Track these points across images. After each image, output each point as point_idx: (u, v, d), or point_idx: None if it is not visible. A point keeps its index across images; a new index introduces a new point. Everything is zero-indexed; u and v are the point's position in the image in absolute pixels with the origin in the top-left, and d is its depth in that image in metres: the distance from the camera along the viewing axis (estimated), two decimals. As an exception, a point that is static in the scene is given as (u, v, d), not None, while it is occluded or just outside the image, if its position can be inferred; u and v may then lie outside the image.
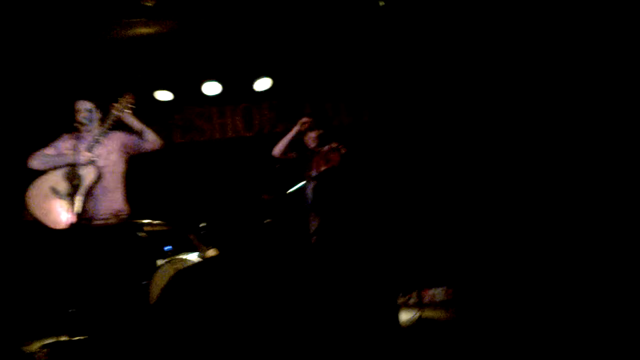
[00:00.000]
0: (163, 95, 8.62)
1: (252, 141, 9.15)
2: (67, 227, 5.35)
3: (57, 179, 5.48)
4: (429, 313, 6.87)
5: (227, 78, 8.60)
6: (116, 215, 5.56)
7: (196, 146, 9.11)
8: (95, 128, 5.63)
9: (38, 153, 5.56)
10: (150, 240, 7.45)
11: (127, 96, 5.60)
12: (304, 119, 6.36)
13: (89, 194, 5.39)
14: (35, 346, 6.97)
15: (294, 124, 6.56)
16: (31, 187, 5.51)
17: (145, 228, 7.26)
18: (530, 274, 7.14)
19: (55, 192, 5.46)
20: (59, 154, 5.55)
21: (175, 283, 5.45)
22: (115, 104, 5.57)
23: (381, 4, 6.31)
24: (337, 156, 6.19)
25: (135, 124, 5.65)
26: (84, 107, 5.58)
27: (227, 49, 8.12)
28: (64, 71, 7.61)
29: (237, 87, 8.76)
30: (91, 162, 5.47)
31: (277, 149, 6.43)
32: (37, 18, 6.66)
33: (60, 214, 5.40)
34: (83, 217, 5.43)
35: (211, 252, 7.38)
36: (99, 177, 5.48)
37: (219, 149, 9.13)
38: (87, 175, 5.45)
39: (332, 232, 6.08)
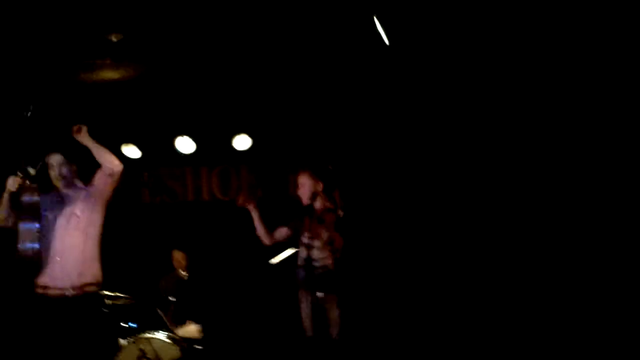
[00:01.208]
0: (131, 151, 7.68)
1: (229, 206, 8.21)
2: None
3: None
4: None
5: (203, 135, 7.71)
6: (80, 286, 4.61)
7: (167, 207, 8.14)
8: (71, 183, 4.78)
9: None
10: (112, 316, 6.45)
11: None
12: (242, 197, 5.44)
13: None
14: None
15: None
16: None
17: (107, 301, 6.25)
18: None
19: None
20: None
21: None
22: None
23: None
24: (331, 217, 5.23)
25: (86, 140, 4.65)
26: (57, 162, 4.70)
27: (203, 101, 7.28)
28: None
29: (213, 145, 7.89)
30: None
31: (265, 239, 5.62)
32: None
33: None
34: (39, 285, 4.58)
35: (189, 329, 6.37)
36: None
37: (192, 211, 8.21)
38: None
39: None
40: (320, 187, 5.28)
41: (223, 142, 7.83)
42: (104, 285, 5.94)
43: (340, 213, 5.25)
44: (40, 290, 4.58)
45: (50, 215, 4.61)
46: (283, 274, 6.95)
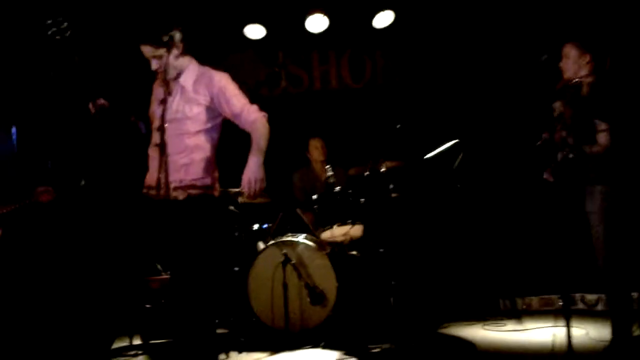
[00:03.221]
0: (254, 31, 6.74)
1: (361, 94, 7.33)
2: None
3: None
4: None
5: (336, 10, 6.67)
6: (185, 187, 3.89)
7: (292, 98, 7.29)
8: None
9: None
10: (244, 216, 5.71)
11: None
12: None
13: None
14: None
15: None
16: None
17: (240, 200, 5.48)
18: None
19: None
20: None
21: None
22: None
23: None
24: (572, 93, 4.25)
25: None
26: (150, 53, 3.86)
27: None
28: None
29: (348, 22, 6.89)
30: None
31: None
32: None
33: None
34: (145, 185, 3.99)
35: (334, 233, 5.54)
36: None
37: (320, 103, 7.33)
38: None
39: None
40: (586, 59, 4.29)
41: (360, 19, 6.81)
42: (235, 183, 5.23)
43: (585, 90, 4.24)
44: (145, 191, 3.97)
45: (157, 110, 3.92)
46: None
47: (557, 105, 4.23)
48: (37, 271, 5.98)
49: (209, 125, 3.96)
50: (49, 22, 3.79)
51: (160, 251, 3.95)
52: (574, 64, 4.29)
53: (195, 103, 3.90)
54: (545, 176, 4.51)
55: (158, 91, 4.02)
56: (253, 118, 3.92)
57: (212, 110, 3.95)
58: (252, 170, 3.76)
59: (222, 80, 3.95)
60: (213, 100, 3.92)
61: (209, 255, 3.94)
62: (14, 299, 5.40)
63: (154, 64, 3.84)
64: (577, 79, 4.21)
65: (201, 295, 3.84)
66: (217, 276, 5.60)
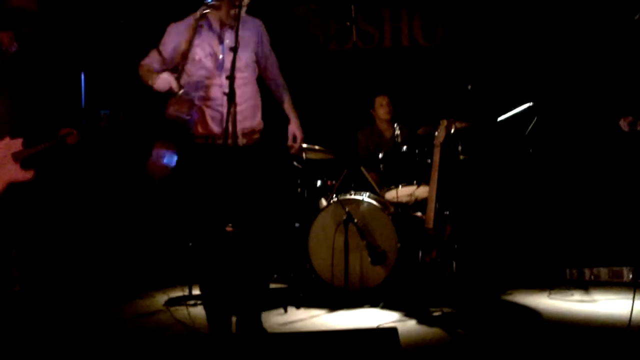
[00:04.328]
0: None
1: (432, 53, 7.13)
2: None
3: None
4: None
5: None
6: (249, 133, 3.87)
7: (361, 54, 7.07)
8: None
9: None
10: (307, 172, 5.64)
11: None
12: None
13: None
14: (158, 300, 5.58)
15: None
16: None
17: (305, 155, 5.39)
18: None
19: None
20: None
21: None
22: None
23: None
24: None
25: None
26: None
27: None
28: None
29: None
30: None
31: None
32: None
33: None
34: (200, 135, 3.83)
35: (399, 193, 5.38)
36: None
37: (390, 60, 7.12)
38: None
39: None
40: None
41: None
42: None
43: None
44: (202, 141, 3.81)
45: (223, 59, 3.82)
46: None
47: None
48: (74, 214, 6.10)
49: (258, 70, 3.97)
50: None
51: (226, 200, 3.83)
52: None
53: (248, 49, 3.85)
54: (620, 123, 4.32)
55: (204, 38, 3.83)
56: (283, 81, 4.07)
57: (257, 54, 3.94)
58: (298, 126, 3.97)
59: (263, 29, 3.97)
60: (257, 44, 3.92)
61: (278, 197, 3.96)
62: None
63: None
64: None
65: (266, 242, 3.84)
66: (283, 221, 5.65)
